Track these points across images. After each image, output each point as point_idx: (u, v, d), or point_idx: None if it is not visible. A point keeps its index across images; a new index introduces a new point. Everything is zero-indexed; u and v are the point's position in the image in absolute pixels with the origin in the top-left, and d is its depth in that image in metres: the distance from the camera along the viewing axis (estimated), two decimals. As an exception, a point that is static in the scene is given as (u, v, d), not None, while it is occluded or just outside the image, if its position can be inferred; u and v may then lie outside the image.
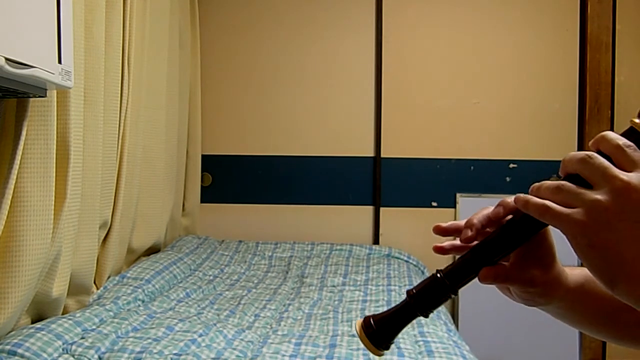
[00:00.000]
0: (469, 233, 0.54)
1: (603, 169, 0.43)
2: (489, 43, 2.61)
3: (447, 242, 0.58)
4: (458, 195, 2.61)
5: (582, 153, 0.45)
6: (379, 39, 2.62)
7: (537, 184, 0.48)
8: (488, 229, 0.55)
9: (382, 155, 2.63)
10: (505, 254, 0.53)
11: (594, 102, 2.54)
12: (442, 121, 2.62)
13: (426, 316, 0.53)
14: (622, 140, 0.44)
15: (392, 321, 0.54)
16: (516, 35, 2.60)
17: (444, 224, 0.58)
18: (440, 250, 0.57)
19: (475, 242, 0.55)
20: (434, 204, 2.62)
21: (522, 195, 0.48)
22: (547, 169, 2.54)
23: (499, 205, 0.54)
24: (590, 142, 0.46)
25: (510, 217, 0.53)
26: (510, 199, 0.53)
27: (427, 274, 2.37)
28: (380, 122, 2.62)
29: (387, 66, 2.62)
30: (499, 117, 2.61)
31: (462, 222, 0.57)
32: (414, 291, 0.54)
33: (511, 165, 2.59)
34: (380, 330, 0.53)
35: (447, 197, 2.62)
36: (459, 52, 2.61)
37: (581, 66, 2.57)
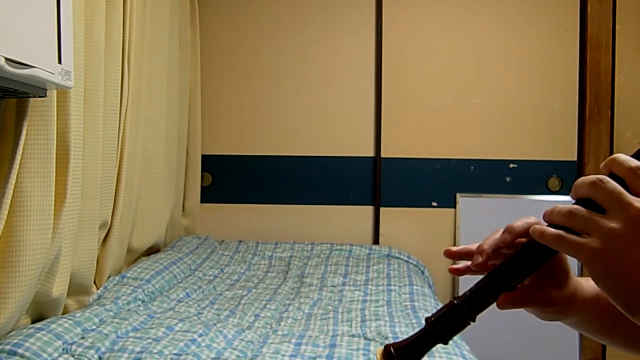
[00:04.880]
0: (480, 259, 0.54)
1: (617, 195, 0.43)
2: (489, 43, 2.61)
3: (462, 264, 0.58)
4: (458, 195, 2.61)
5: (594, 177, 0.44)
6: (379, 39, 2.62)
7: (549, 209, 0.48)
8: (503, 250, 0.55)
9: (382, 155, 2.63)
10: (522, 279, 0.53)
11: (594, 102, 2.54)
12: (442, 121, 2.62)
13: (445, 343, 0.54)
14: (635, 163, 0.43)
15: (412, 349, 0.54)
16: (516, 35, 2.60)
17: (454, 248, 0.58)
18: (455, 271, 0.57)
19: (492, 268, 0.55)
20: (434, 204, 2.62)
21: (537, 226, 0.48)
22: (547, 169, 2.54)
23: (505, 231, 0.54)
24: (602, 165, 0.46)
25: (523, 240, 0.54)
26: (517, 223, 0.54)
27: (427, 274, 2.37)
28: (380, 122, 2.62)
29: (387, 66, 2.62)
30: (499, 117, 2.61)
31: (472, 245, 0.57)
32: (433, 319, 0.54)
33: (511, 165, 2.59)
34: (400, 359, 0.53)
35: (447, 197, 2.62)
36: (459, 52, 2.61)
37: (581, 66, 2.57)
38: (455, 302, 0.54)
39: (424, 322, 0.55)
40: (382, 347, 0.55)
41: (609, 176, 0.44)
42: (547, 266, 0.54)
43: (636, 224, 0.41)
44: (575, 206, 0.45)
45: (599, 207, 0.44)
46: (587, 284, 0.58)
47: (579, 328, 0.60)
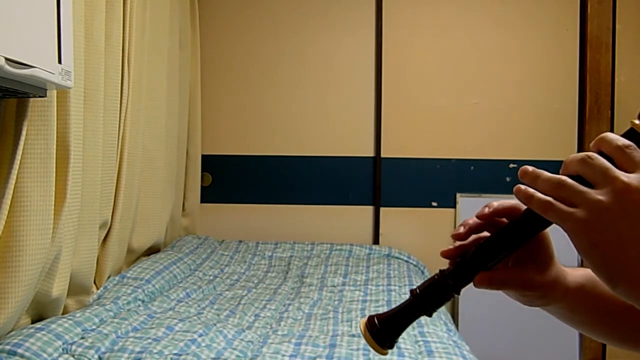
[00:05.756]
0: (461, 230, 0.55)
1: (604, 169, 0.43)
2: (489, 43, 2.61)
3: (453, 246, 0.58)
4: (458, 195, 2.61)
5: (583, 154, 0.45)
6: (379, 39, 2.62)
7: (530, 169, 0.49)
8: (485, 232, 0.56)
9: (382, 155, 2.63)
10: (502, 257, 0.53)
11: (594, 102, 2.54)
12: (442, 121, 2.62)
13: (429, 315, 0.54)
14: (623, 141, 0.44)
15: (396, 320, 0.54)
16: (516, 35, 2.60)
17: (449, 249, 0.57)
18: (446, 253, 0.57)
19: (472, 241, 0.55)
20: (434, 204, 2.62)
21: (523, 187, 0.48)
22: (547, 169, 2.53)
23: (485, 206, 0.55)
24: (591, 143, 0.47)
25: (504, 220, 0.55)
26: (496, 202, 0.55)
27: (427, 274, 2.38)
28: (380, 122, 2.62)
29: (387, 66, 2.62)
30: (499, 117, 2.61)
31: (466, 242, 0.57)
32: (418, 291, 0.54)
33: (511, 165, 2.59)
34: (384, 329, 0.54)
35: (447, 197, 2.62)
36: (459, 52, 2.61)
37: (581, 66, 2.57)
38: (441, 274, 0.54)
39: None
40: (365, 318, 0.55)
41: (597, 154, 0.45)
42: (530, 249, 0.55)
43: (622, 196, 0.42)
44: (564, 177, 0.46)
45: (587, 184, 0.45)
46: (572, 273, 0.58)
47: (561, 317, 0.61)
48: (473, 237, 0.56)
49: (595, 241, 0.43)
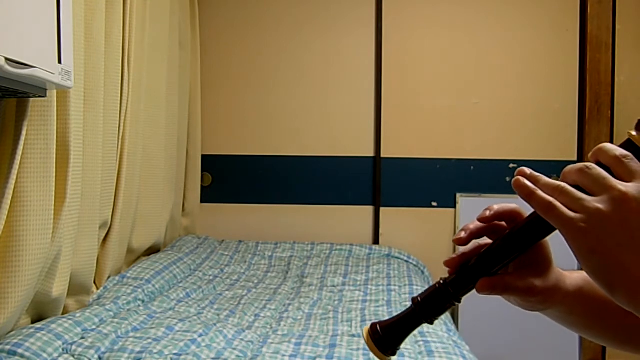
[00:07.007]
0: (462, 235, 0.56)
1: (602, 179, 0.44)
2: (489, 43, 2.61)
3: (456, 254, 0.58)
4: (458, 195, 2.61)
5: (581, 164, 0.46)
6: (379, 39, 2.62)
7: (528, 171, 0.49)
8: (486, 238, 0.56)
9: (382, 155, 2.63)
10: (504, 264, 0.53)
11: (594, 102, 2.54)
12: (442, 121, 2.62)
13: (431, 323, 0.55)
14: (620, 151, 0.45)
15: (398, 327, 0.55)
16: (516, 35, 2.60)
17: (452, 258, 0.57)
18: (449, 263, 0.57)
19: (474, 247, 0.56)
20: (434, 204, 2.62)
21: (523, 181, 0.48)
22: (547, 169, 2.54)
23: (485, 209, 0.56)
24: (589, 154, 0.48)
25: (503, 223, 0.55)
26: (497, 205, 0.55)
27: (427, 274, 2.37)
28: (380, 122, 2.62)
29: (387, 66, 2.62)
30: (499, 117, 2.61)
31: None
32: (419, 299, 0.55)
33: (511, 165, 2.59)
34: (386, 337, 0.55)
35: (447, 197, 2.62)
36: (459, 52, 2.61)
37: (581, 66, 2.57)
38: (442, 283, 0.55)
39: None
40: (368, 326, 0.56)
41: (595, 164, 0.46)
42: (530, 256, 0.55)
43: (620, 204, 0.43)
44: (564, 184, 0.46)
45: (586, 194, 0.45)
46: (571, 277, 0.59)
47: (560, 320, 0.61)
48: (474, 242, 0.56)
49: (594, 248, 0.44)
